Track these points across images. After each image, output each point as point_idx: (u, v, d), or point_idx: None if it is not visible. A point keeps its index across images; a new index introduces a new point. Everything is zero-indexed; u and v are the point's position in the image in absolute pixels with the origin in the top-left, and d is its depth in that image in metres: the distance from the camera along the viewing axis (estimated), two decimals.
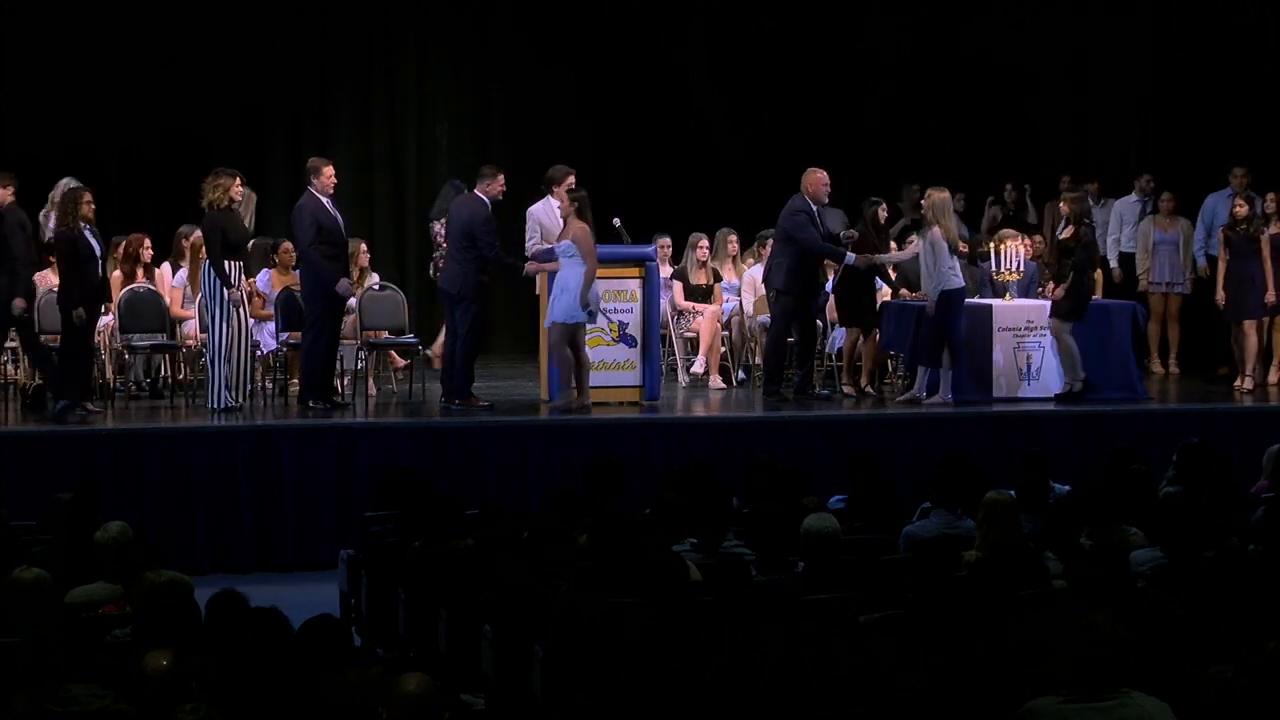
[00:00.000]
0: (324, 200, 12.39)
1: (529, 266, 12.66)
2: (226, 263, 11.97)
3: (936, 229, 12.72)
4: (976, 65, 18.05)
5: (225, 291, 11.92)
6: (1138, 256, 15.49)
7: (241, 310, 12.07)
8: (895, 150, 17.87)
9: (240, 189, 12.19)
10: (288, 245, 13.63)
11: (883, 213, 13.66)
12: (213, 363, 12.05)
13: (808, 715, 5.40)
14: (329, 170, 12.50)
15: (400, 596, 8.01)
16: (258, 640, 5.53)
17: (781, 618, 6.07)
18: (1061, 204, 13.60)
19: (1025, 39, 17.95)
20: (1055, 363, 13.11)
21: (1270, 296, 13.91)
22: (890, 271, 14.08)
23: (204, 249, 12.47)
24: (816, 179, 13.19)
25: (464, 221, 12.52)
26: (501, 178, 12.66)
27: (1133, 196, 15.94)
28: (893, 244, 14.36)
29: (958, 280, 12.83)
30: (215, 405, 12.01)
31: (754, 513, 8.28)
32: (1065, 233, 13.16)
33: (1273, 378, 14.16)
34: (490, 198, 12.57)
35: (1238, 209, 14.13)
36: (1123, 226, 15.88)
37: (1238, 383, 13.94)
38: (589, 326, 12.42)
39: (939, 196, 12.87)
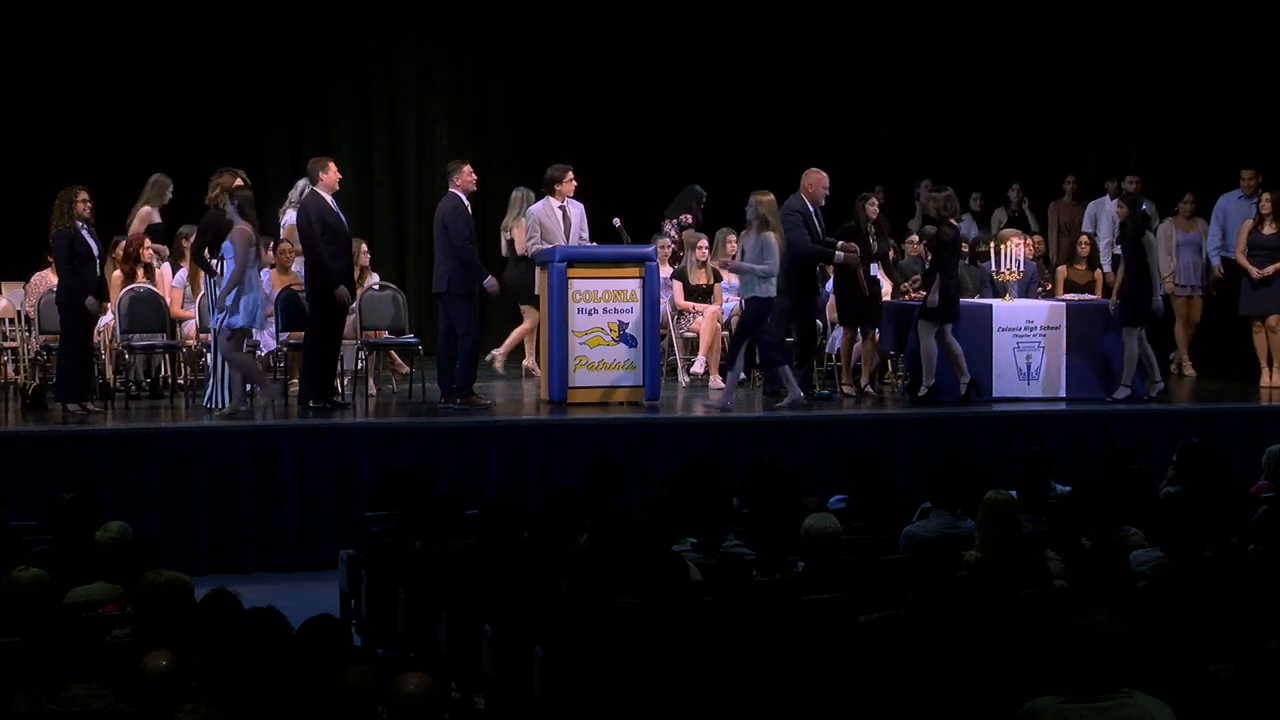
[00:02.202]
0: (328, 199, 12.39)
1: (489, 282, 12.51)
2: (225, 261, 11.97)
3: (771, 233, 12.33)
4: (976, 65, 18.07)
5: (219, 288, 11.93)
6: (1161, 258, 15.32)
7: None
8: (895, 150, 17.89)
9: (244, 187, 12.18)
10: (287, 245, 13.64)
11: (872, 209, 13.61)
12: (215, 361, 12.03)
13: (808, 715, 5.40)
14: (334, 168, 12.49)
15: (400, 596, 8.01)
16: (255, 640, 5.53)
17: (781, 618, 6.07)
18: (930, 203, 13.22)
19: (1025, 39, 17.95)
20: (1057, 363, 13.12)
21: (1116, 299, 13.24)
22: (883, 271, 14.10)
23: (193, 246, 12.48)
24: (816, 180, 13.18)
25: (440, 219, 12.55)
26: (468, 168, 12.64)
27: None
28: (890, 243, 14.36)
29: (773, 289, 12.45)
30: (225, 404, 12.00)
31: (754, 513, 8.29)
32: (933, 232, 13.05)
33: (1274, 379, 14.12)
34: (463, 190, 12.56)
35: (1119, 211, 13.60)
36: (1115, 230, 15.74)
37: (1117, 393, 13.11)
38: (589, 327, 12.42)
39: (768, 200, 12.45)
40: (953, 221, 13.05)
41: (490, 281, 12.51)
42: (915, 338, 12.97)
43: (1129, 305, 13.08)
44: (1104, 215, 15.96)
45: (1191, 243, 15.00)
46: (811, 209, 13.13)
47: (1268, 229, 14.19)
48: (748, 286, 12.43)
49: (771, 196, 12.50)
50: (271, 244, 14.00)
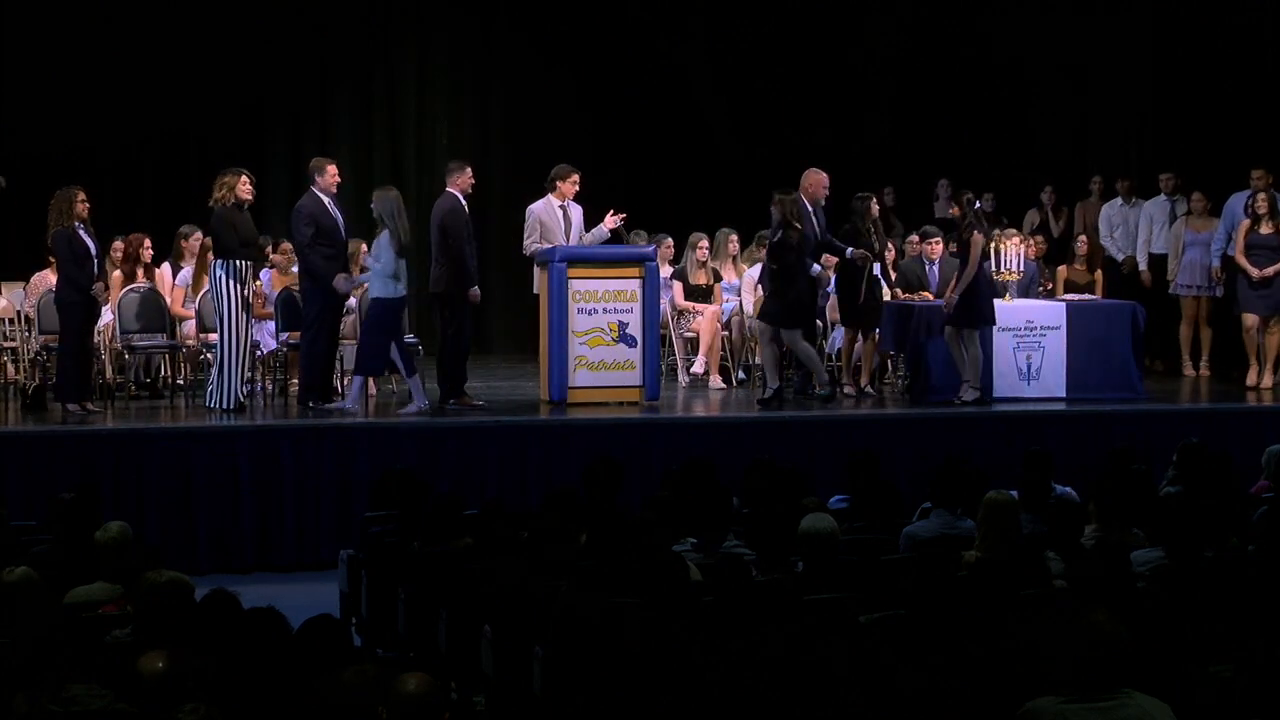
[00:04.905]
0: (325, 200, 12.39)
1: (473, 293, 12.46)
2: (238, 261, 11.98)
3: (385, 232, 12.05)
4: (977, 65, 18.06)
5: (236, 289, 11.91)
6: (1169, 260, 15.21)
7: (248, 308, 12.10)
8: (895, 150, 17.88)
9: (249, 187, 12.19)
10: (287, 245, 13.64)
11: (875, 208, 13.62)
12: (221, 361, 12.03)
13: (808, 715, 5.40)
14: (333, 169, 12.49)
15: (400, 596, 8.01)
16: (255, 640, 5.53)
17: (781, 618, 6.07)
18: (773, 206, 12.84)
19: (1025, 39, 17.95)
20: (1057, 363, 13.12)
21: (949, 299, 12.79)
22: (891, 271, 14.09)
23: (213, 249, 12.47)
24: (816, 180, 13.17)
25: (436, 219, 12.55)
26: (468, 170, 12.67)
27: (1161, 197, 15.64)
28: (890, 243, 14.36)
29: (401, 289, 12.22)
30: (224, 405, 11.99)
31: (754, 513, 8.28)
32: (776, 236, 12.80)
33: (1263, 380, 14.06)
34: (461, 191, 12.57)
35: (952, 211, 13.19)
36: (1152, 227, 15.60)
37: (966, 396, 12.77)
38: (589, 327, 12.45)
39: (389, 195, 12.20)
40: (797, 225, 12.85)
41: (474, 291, 12.47)
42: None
43: (961, 306, 12.76)
44: (1142, 214, 15.76)
45: (1201, 242, 14.76)
46: (810, 209, 13.12)
47: (1265, 229, 14.12)
48: (372, 287, 12.13)
49: (393, 192, 12.26)
50: (271, 244, 14.02)
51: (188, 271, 13.62)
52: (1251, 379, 14.01)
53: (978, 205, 13.30)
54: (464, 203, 12.57)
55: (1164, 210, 15.59)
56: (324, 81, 17.51)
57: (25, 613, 6.22)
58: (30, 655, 5.66)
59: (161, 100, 16.46)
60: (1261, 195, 14.13)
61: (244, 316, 12.03)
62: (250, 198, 12.20)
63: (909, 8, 18.50)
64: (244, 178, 12.15)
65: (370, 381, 13.58)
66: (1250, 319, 14.03)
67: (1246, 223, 14.21)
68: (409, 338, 13.65)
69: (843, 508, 9.00)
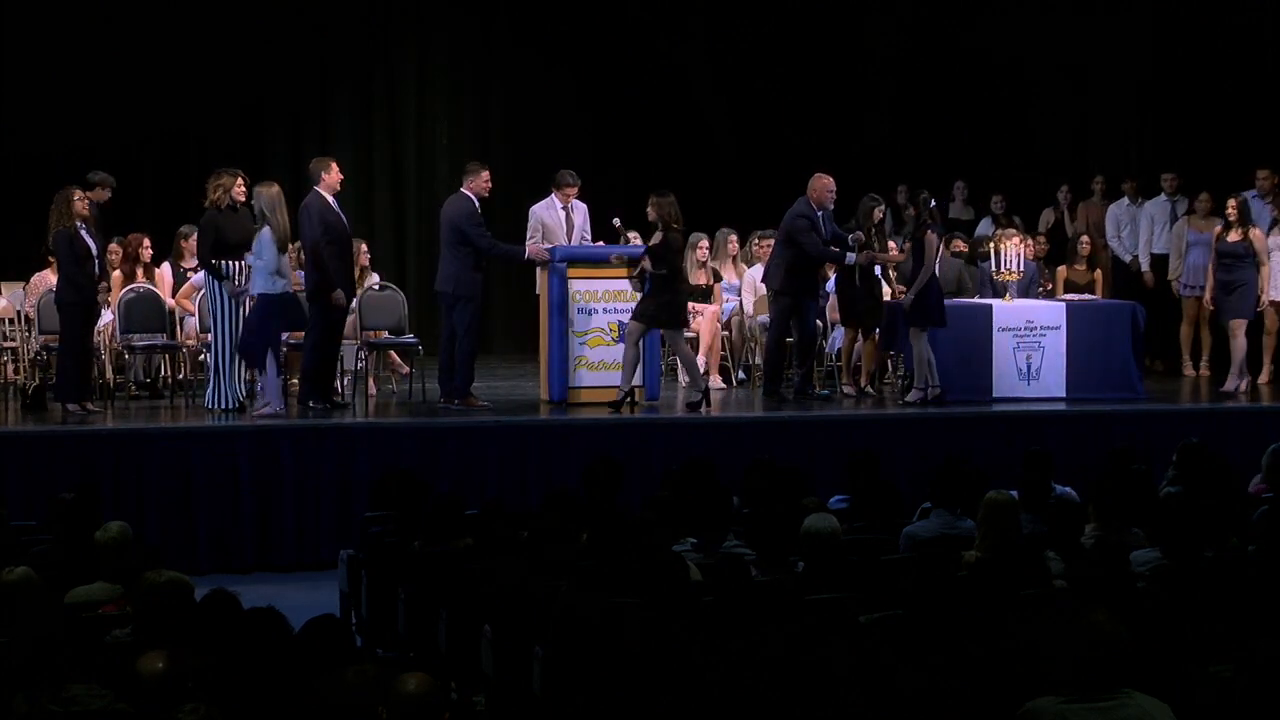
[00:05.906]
0: (329, 199, 12.39)
1: (530, 249, 12.67)
2: (227, 262, 11.98)
3: (266, 227, 11.81)
4: (976, 65, 18.06)
5: (224, 290, 11.94)
6: (1171, 259, 15.16)
7: (240, 308, 12.09)
8: (895, 150, 17.88)
9: (243, 189, 12.19)
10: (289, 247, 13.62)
11: (879, 212, 13.62)
12: (215, 362, 12.04)
13: (808, 715, 5.40)
14: (335, 168, 12.49)
15: (400, 596, 8.01)
16: (255, 640, 5.53)
17: (781, 618, 6.07)
18: (649, 209, 12.53)
19: (1025, 39, 17.96)
20: (1057, 363, 13.12)
21: (905, 298, 12.85)
22: (891, 272, 14.09)
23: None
24: (822, 185, 13.17)
25: (452, 220, 12.55)
26: (486, 173, 12.68)
27: (1161, 197, 15.61)
28: (891, 244, 14.36)
29: (283, 284, 11.88)
30: (224, 405, 12.00)
31: (754, 513, 8.28)
32: (655, 239, 12.48)
33: (1240, 383, 14.01)
34: (476, 193, 12.59)
35: (908, 211, 13.11)
36: (1153, 228, 15.58)
37: (910, 397, 12.83)
38: (589, 327, 12.47)
39: (269, 192, 11.94)
40: (676, 226, 12.56)
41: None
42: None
43: (916, 306, 12.79)
44: (1143, 214, 15.76)
45: (1205, 242, 14.54)
46: (819, 213, 13.14)
47: (1233, 235, 13.99)
48: (255, 283, 11.92)
49: (273, 189, 12.03)
50: None
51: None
52: (1229, 386, 13.83)
53: (933, 204, 13.34)
54: (477, 204, 12.57)
55: (1165, 210, 15.57)
56: (324, 81, 17.51)
57: (25, 613, 6.23)
58: (30, 655, 5.66)
59: (161, 100, 16.46)
60: (1231, 201, 14.00)
61: (234, 318, 12.01)
62: (243, 199, 12.19)
63: (909, 8, 18.50)
64: (239, 179, 12.15)
65: (370, 381, 13.59)
66: (1235, 324, 13.95)
67: (1217, 229, 14.12)
68: (408, 338, 13.67)
69: (843, 508, 9.00)
